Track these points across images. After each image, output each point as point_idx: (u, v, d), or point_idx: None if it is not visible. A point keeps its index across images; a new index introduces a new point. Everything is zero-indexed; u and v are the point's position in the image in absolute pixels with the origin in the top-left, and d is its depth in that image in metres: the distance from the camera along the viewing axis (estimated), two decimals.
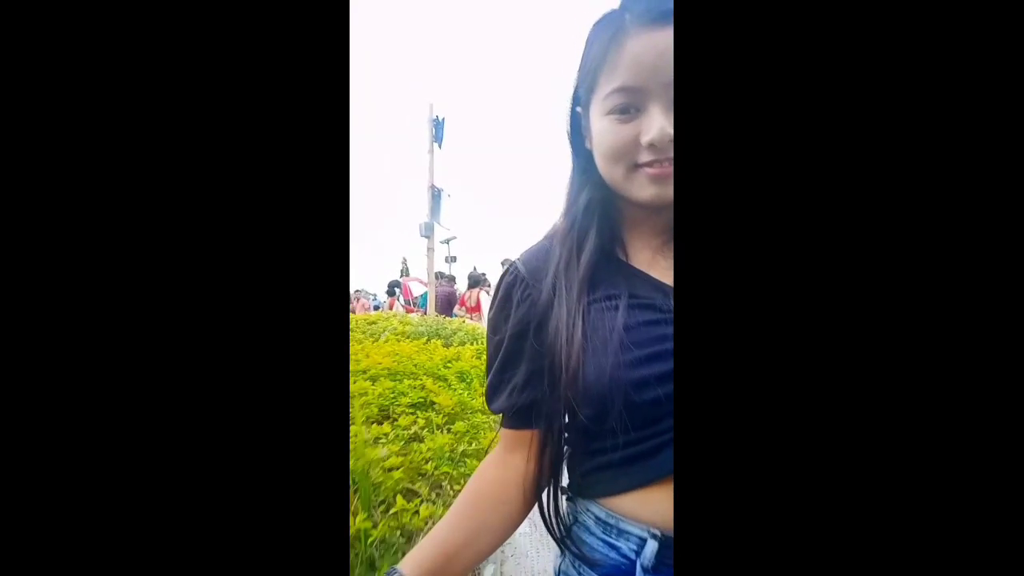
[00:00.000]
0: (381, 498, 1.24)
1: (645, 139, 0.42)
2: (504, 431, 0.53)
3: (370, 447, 1.32)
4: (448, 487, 1.38)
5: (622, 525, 0.46)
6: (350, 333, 3.68)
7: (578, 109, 0.49)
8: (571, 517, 0.52)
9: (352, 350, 2.53)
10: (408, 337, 3.55)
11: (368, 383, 1.82)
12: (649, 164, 0.43)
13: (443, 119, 7.61)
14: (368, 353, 2.33)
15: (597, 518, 0.49)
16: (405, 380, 1.96)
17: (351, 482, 1.26)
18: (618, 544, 0.47)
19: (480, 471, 0.53)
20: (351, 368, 2.02)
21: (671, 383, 0.42)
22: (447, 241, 9.43)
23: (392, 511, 1.16)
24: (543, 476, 0.53)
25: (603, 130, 0.45)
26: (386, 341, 3.24)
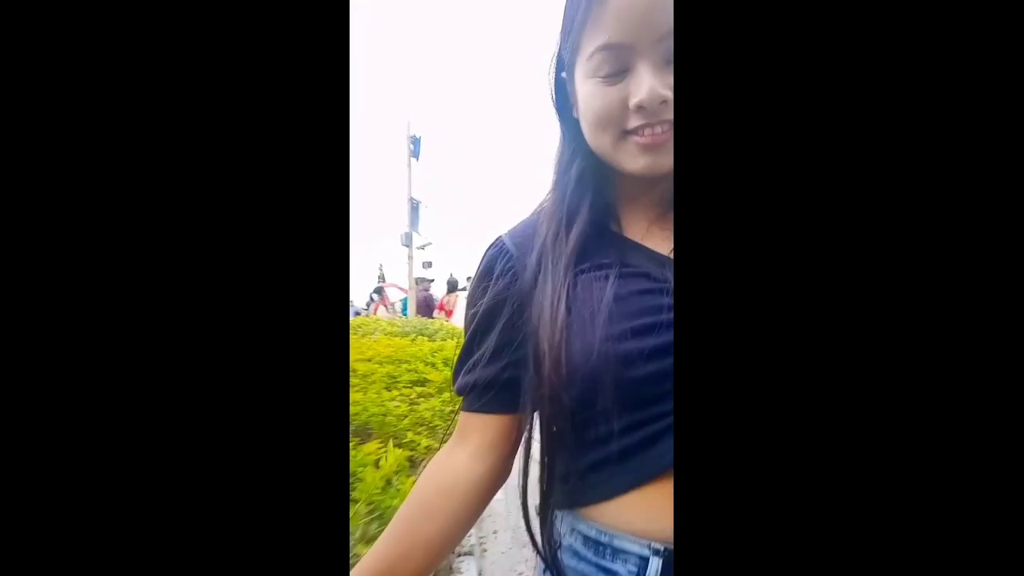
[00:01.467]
0: (394, 435, 1.81)
1: (634, 101, 0.39)
2: (462, 416, 0.48)
3: (385, 401, 1.89)
4: (441, 432, 1.95)
5: (617, 543, 0.41)
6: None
7: (563, 75, 0.46)
8: (555, 541, 0.45)
9: (355, 345, 3.09)
10: (396, 336, 4.09)
11: (376, 366, 2.39)
12: (639, 131, 0.40)
13: (420, 137, 8.17)
14: (370, 345, 2.89)
15: (587, 538, 0.43)
16: (402, 364, 2.53)
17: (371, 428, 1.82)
18: (614, 567, 0.41)
19: (422, 477, 0.49)
20: (359, 356, 2.57)
21: (669, 357, 0.38)
22: (423, 247, 9.94)
23: (403, 441, 1.73)
24: (504, 475, 0.48)
25: (588, 95, 0.41)
26: (377, 340, 3.78)
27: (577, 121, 0.44)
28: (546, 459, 0.45)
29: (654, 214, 0.46)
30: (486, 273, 0.48)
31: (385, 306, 8.61)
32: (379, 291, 9.01)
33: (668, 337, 0.38)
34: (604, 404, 0.39)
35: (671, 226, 0.43)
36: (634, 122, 0.40)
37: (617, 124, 0.41)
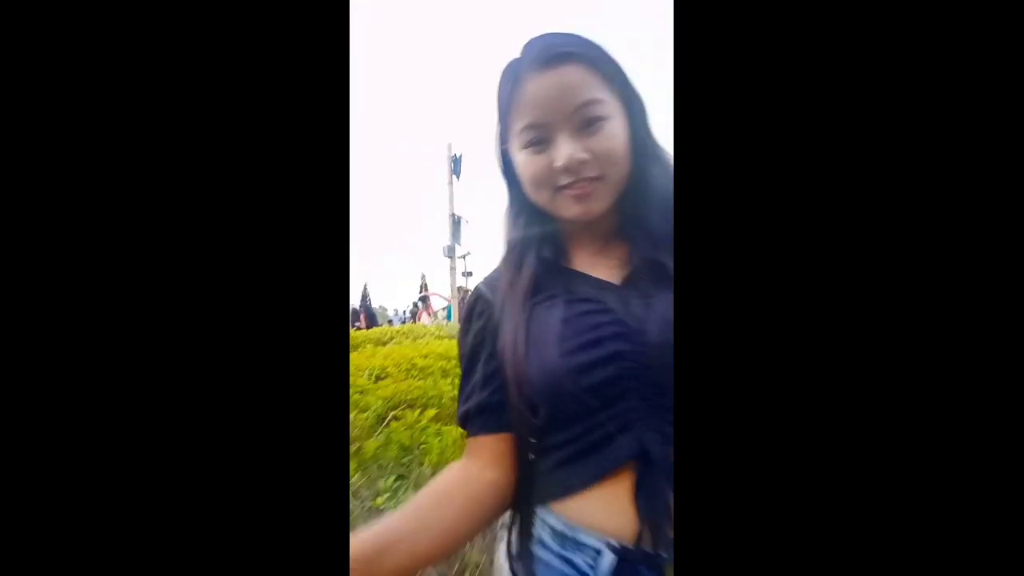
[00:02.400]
0: (451, 412, 2.34)
1: (557, 165, 0.47)
2: (468, 441, 0.53)
3: (441, 385, 2.44)
4: None
5: (579, 536, 0.45)
6: (396, 340, 4.81)
7: (504, 147, 0.54)
8: (525, 541, 0.50)
9: (413, 346, 3.69)
10: (443, 338, 4.67)
11: (432, 360, 2.95)
12: (569, 186, 0.48)
13: (460, 155, 8.80)
14: (425, 345, 3.48)
15: (554, 531, 0.47)
16: (452, 360, 3.08)
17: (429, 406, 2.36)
18: (573, 557, 0.45)
19: (437, 476, 0.52)
20: (417, 354, 3.14)
21: (612, 365, 0.44)
22: (463, 256, 10.50)
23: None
24: (505, 488, 0.52)
25: (523, 162, 0.50)
26: (428, 342, 4.35)
27: (519, 183, 0.53)
28: (527, 464, 0.52)
29: (597, 247, 0.53)
30: (468, 317, 0.56)
31: (429, 313, 9.24)
32: (424, 300, 9.66)
33: (610, 348, 0.45)
34: (562, 411, 0.47)
35: (613, 254, 0.52)
36: (563, 180, 0.48)
37: (549, 183, 0.49)
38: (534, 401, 0.48)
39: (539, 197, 0.51)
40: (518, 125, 0.49)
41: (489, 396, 0.52)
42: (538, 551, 0.48)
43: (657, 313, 0.45)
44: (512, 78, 0.49)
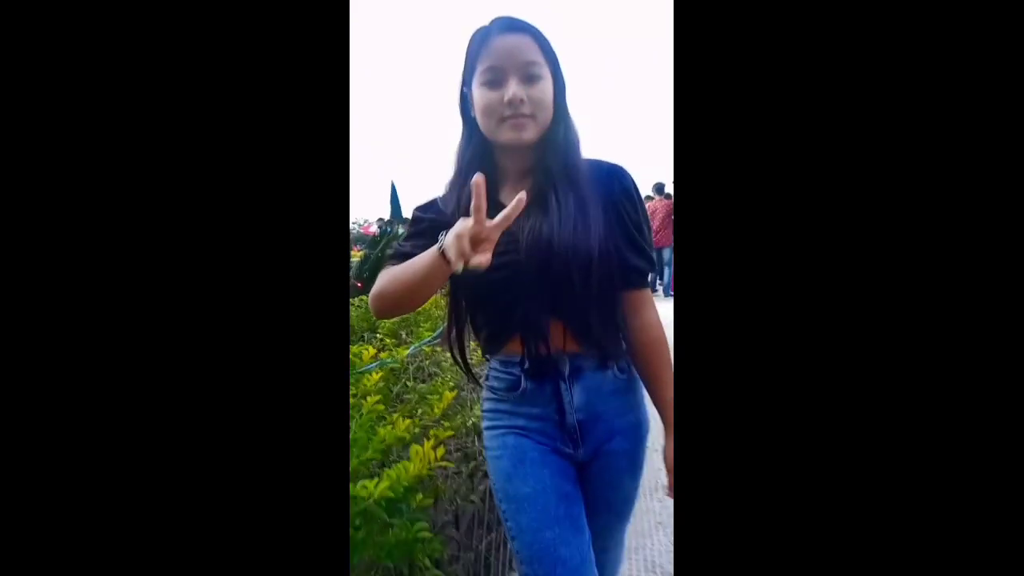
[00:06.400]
0: None
1: (505, 99, 0.66)
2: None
3: None
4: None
5: (508, 356, 0.75)
6: None
7: (465, 89, 0.73)
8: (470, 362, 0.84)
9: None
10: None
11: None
12: (510, 117, 0.68)
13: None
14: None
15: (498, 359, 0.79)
16: None
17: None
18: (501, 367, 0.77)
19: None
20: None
21: (505, 270, 0.65)
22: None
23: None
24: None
25: (480, 96, 0.69)
26: None
27: (472, 120, 0.74)
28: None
29: (515, 181, 0.75)
30: (415, 223, 0.80)
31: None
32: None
33: (504, 259, 0.65)
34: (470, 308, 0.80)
35: (522, 188, 0.69)
36: (507, 112, 0.69)
37: (496, 113, 0.69)
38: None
39: (487, 124, 0.71)
40: (481, 68, 0.69)
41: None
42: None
43: (532, 232, 0.68)
44: (481, 37, 0.70)
